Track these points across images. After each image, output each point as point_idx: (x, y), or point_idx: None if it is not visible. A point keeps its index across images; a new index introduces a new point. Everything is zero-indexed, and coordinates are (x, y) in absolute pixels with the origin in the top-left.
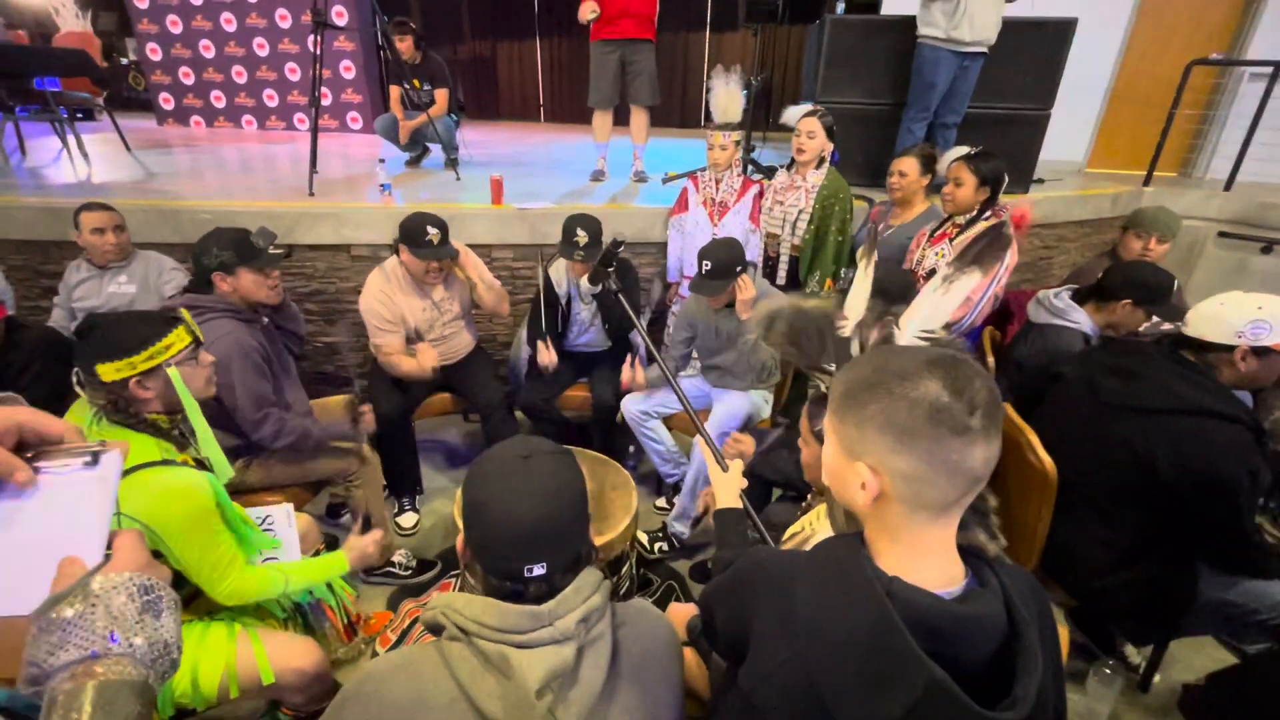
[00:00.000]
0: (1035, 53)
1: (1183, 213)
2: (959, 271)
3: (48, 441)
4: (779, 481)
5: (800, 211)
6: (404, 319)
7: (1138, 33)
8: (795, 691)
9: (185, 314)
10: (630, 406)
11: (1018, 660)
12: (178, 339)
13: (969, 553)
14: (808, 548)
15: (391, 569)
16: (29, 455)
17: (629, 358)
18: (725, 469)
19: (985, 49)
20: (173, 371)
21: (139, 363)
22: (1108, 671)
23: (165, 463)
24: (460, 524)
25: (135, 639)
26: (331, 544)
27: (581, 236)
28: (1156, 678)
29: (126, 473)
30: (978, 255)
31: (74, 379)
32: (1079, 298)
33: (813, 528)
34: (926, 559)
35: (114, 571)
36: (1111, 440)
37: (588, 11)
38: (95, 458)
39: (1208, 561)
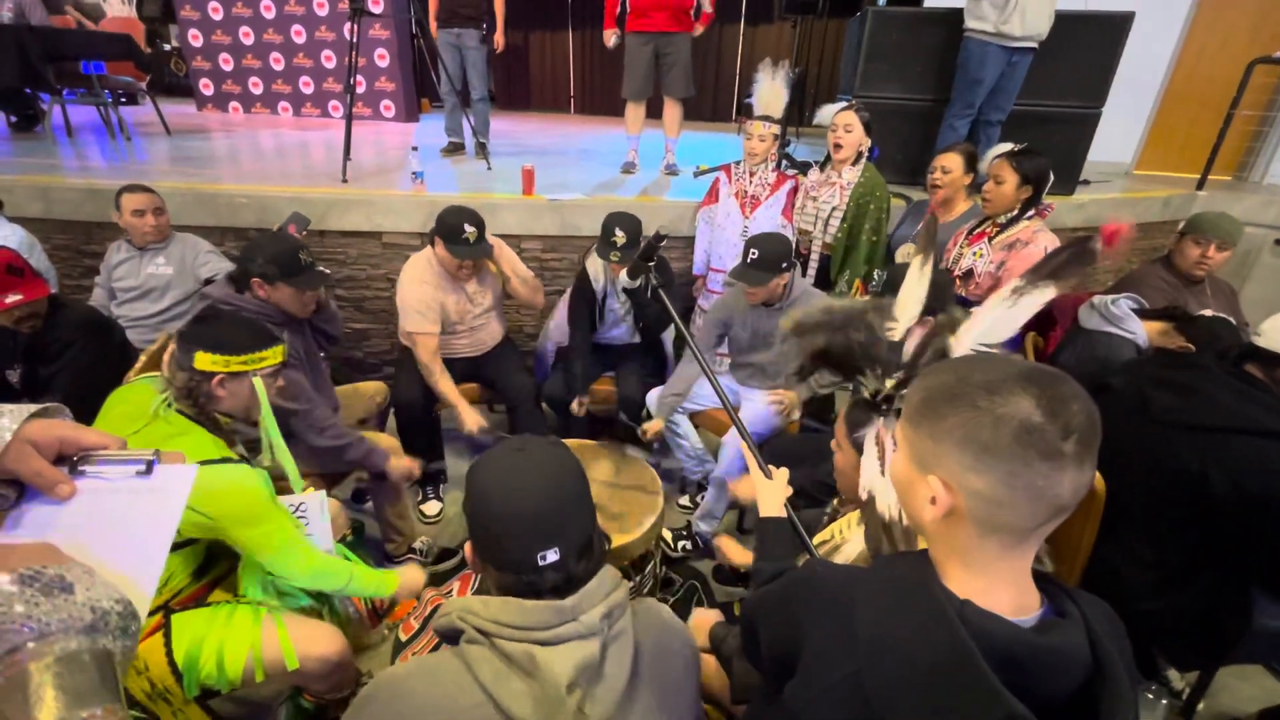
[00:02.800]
0: (1088, 48)
1: (1238, 218)
2: (1031, 285)
3: (90, 450)
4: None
5: (834, 209)
6: (442, 308)
7: (1196, 28)
8: (849, 713)
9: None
10: (657, 402)
11: (1102, 699)
12: (272, 355)
13: (1044, 579)
14: (836, 558)
15: (412, 556)
16: (74, 460)
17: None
18: (769, 475)
19: (1035, 44)
20: (258, 382)
21: (233, 363)
22: (1150, 696)
23: (224, 460)
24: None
25: (54, 617)
26: (358, 529)
27: (620, 237)
28: (1201, 705)
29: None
30: (1055, 270)
31: (167, 353)
32: (1148, 313)
33: (842, 535)
34: (999, 584)
35: None
36: (1162, 458)
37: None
38: (149, 467)
39: (1266, 590)
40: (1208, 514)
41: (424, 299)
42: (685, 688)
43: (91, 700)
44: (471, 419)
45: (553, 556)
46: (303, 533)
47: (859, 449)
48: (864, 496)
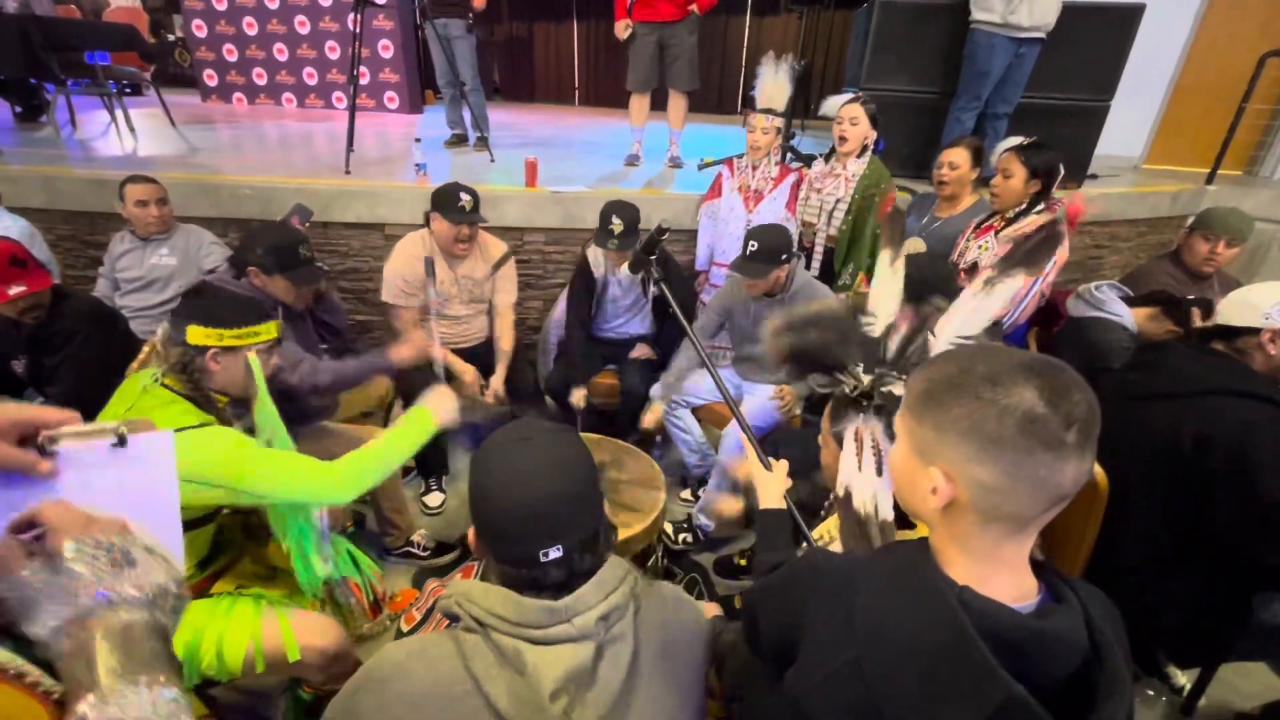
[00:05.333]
0: (1097, 40)
1: (1248, 213)
2: (1003, 274)
3: (49, 429)
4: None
5: (838, 201)
6: (424, 287)
7: (1208, 21)
8: (850, 699)
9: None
10: (659, 387)
11: (1099, 683)
12: (266, 331)
13: (1043, 567)
14: None
15: (410, 549)
16: (38, 444)
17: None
18: (769, 467)
19: (1043, 35)
20: (252, 357)
21: (227, 337)
22: (1150, 693)
23: (201, 425)
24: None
25: (118, 588)
26: (358, 521)
27: (616, 225)
28: (1202, 702)
29: None
30: (1026, 255)
31: (159, 330)
32: (1150, 300)
33: (831, 534)
34: (998, 571)
35: (62, 539)
36: (1138, 433)
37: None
38: (121, 439)
39: (1256, 580)
40: (1186, 480)
41: (401, 271)
42: (689, 689)
43: (149, 668)
44: (469, 376)
45: (555, 553)
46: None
47: (841, 444)
48: (840, 493)
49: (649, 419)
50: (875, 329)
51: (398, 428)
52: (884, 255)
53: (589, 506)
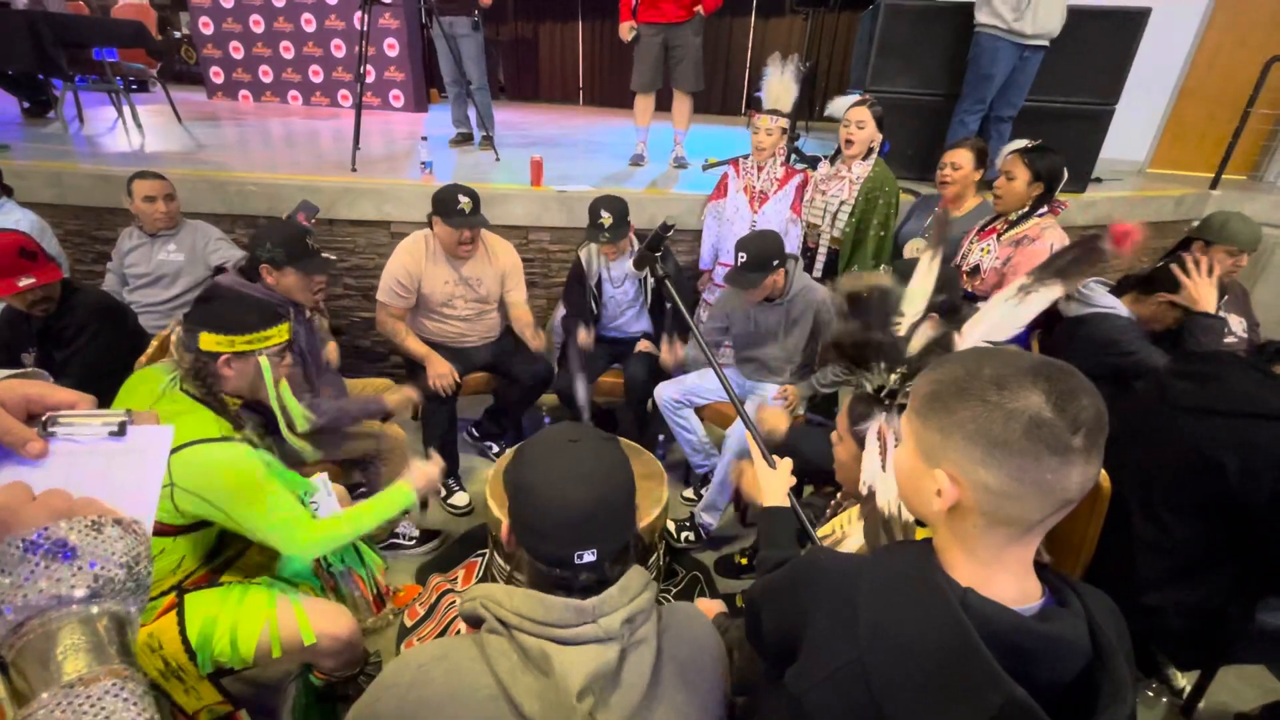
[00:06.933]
0: (1103, 43)
1: (1251, 218)
2: (1039, 283)
3: (61, 410)
4: (813, 467)
5: (842, 203)
6: (420, 288)
7: (1214, 25)
8: (851, 698)
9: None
10: (664, 394)
11: (1102, 688)
12: (277, 334)
13: (1046, 570)
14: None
15: (397, 539)
16: (43, 420)
17: (664, 339)
18: (773, 465)
19: (1048, 41)
20: (264, 360)
21: (238, 343)
22: (1150, 694)
23: (223, 439)
24: (494, 509)
25: (50, 591)
26: None
27: (606, 218)
28: (1201, 704)
29: (184, 446)
30: (1064, 268)
31: (172, 334)
32: (1123, 287)
33: (843, 530)
34: (1001, 573)
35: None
36: (1177, 442)
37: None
38: (121, 428)
39: (1267, 586)
40: (1219, 499)
41: (398, 273)
42: (710, 704)
43: (108, 658)
44: (440, 368)
45: (590, 557)
46: (306, 509)
47: (860, 442)
48: (864, 491)
49: (668, 356)
50: (901, 327)
51: (378, 497)
52: (926, 255)
53: (626, 517)
